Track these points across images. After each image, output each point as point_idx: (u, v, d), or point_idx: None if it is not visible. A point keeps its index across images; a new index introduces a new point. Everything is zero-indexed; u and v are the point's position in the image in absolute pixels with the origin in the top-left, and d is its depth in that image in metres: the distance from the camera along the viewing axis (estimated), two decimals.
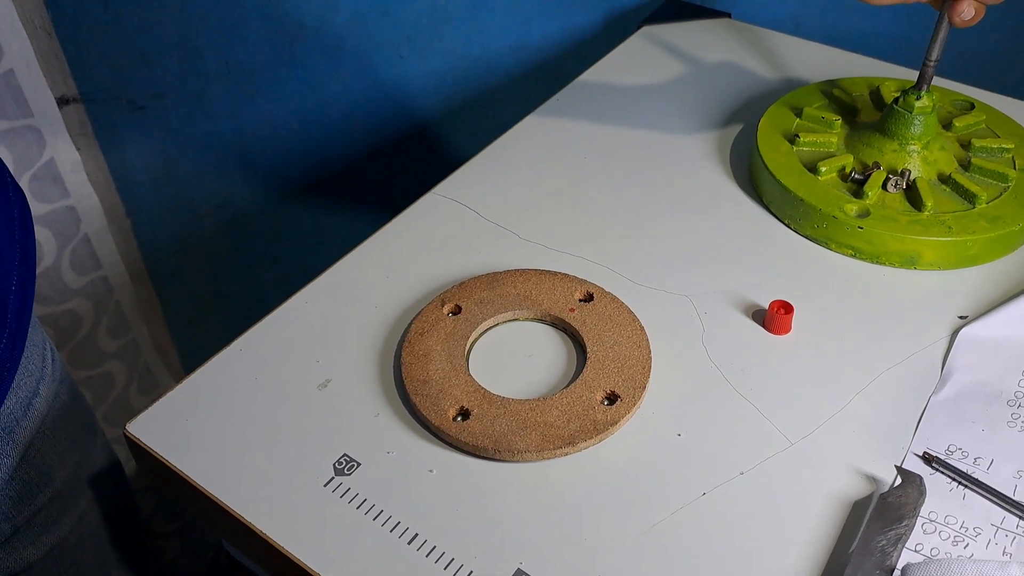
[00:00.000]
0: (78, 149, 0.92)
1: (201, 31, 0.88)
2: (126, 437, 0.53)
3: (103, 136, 0.94)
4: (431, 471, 0.51)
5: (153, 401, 0.55)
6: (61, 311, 0.96)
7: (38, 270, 0.92)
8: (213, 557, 1.17)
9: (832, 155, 0.68)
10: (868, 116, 0.71)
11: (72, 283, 0.96)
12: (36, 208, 0.90)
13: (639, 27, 0.89)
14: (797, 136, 0.68)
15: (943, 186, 0.65)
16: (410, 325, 0.58)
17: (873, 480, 0.50)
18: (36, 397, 0.65)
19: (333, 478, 0.50)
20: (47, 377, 0.67)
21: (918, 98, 0.64)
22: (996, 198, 0.64)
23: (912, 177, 0.64)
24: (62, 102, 0.88)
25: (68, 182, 0.92)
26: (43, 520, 0.67)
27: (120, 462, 0.78)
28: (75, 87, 0.89)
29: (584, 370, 0.54)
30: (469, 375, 0.54)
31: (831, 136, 0.69)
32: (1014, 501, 0.48)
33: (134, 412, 0.54)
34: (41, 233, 0.91)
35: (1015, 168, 0.66)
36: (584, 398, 0.53)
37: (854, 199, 0.64)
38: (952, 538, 0.47)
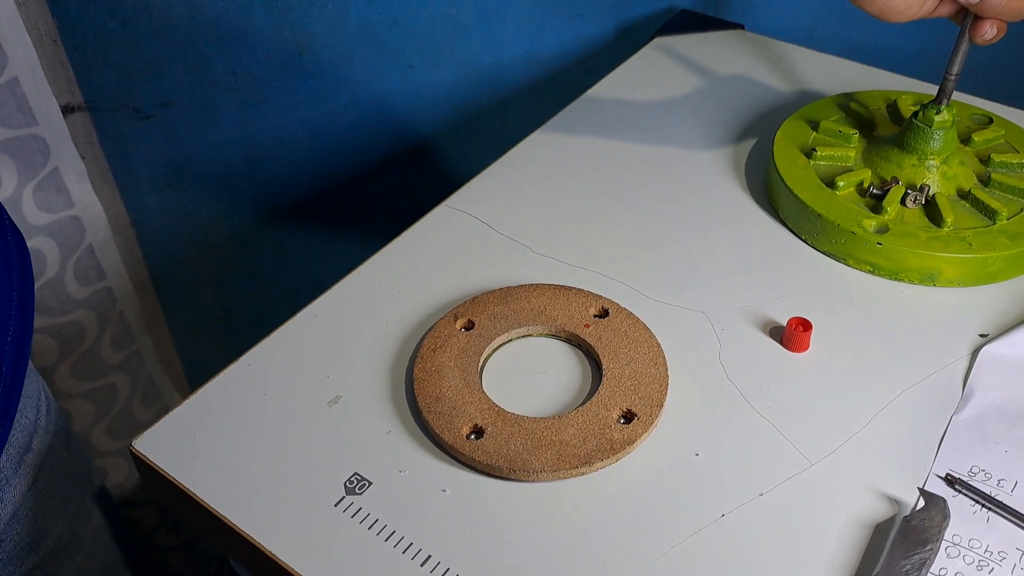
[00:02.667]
0: (83, 158, 0.91)
1: (209, 39, 0.87)
2: (132, 454, 0.52)
3: (109, 145, 0.93)
4: (444, 490, 0.50)
5: (159, 416, 0.54)
6: (64, 322, 0.95)
7: (41, 281, 0.91)
8: (216, 571, 1.16)
9: (850, 169, 0.67)
10: (886, 130, 0.70)
11: (76, 294, 0.95)
12: (40, 218, 0.89)
13: (652, 39, 0.89)
14: (814, 150, 0.68)
15: (963, 202, 0.64)
16: (422, 340, 0.57)
17: (895, 502, 0.49)
18: (28, 452, 0.63)
19: (344, 497, 0.49)
20: (41, 430, 0.64)
21: (937, 112, 0.64)
22: (1017, 214, 0.63)
23: (931, 192, 0.64)
24: (67, 110, 0.88)
25: (73, 192, 0.91)
26: None
27: (117, 508, 0.76)
28: (80, 95, 0.88)
29: (600, 387, 0.53)
30: (483, 392, 0.53)
31: (848, 150, 0.68)
32: None
33: (137, 425, 0.53)
34: (45, 243, 0.90)
35: None
36: (600, 416, 0.52)
37: (872, 214, 0.63)
38: (977, 562, 0.46)
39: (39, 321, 0.92)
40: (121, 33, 0.86)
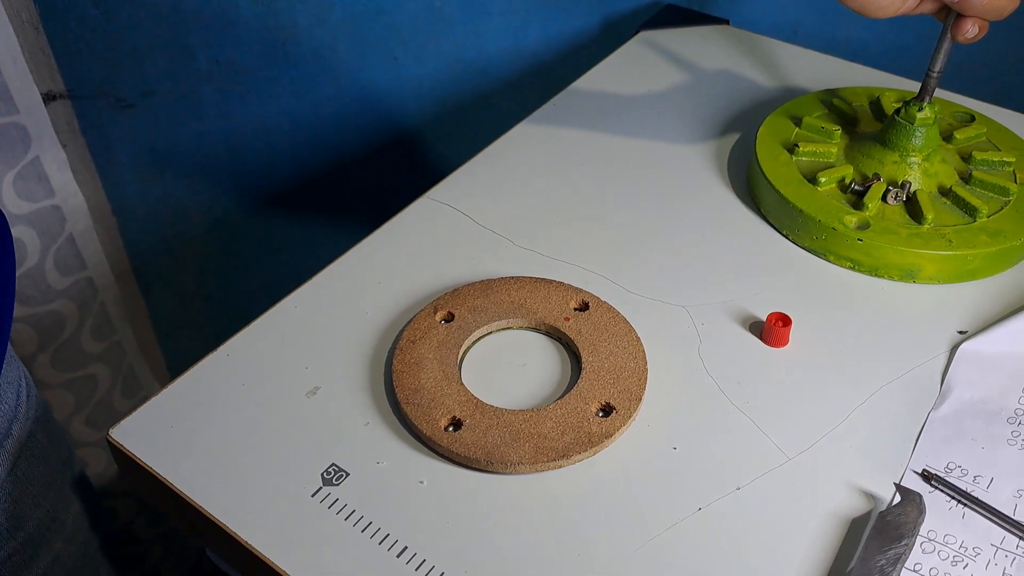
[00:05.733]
0: (64, 147, 0.90)
1: (192, 28, 0.87)
2: (109, 443, 0.52)
3: (90, 134, 0.92)
4: (422, 482, 0.49)
5: (137, 405, 0.54)
6: (44, 312, 0.94)
7: (21, 270, 0.90)
8: (195, 563, 1.16)
9: (831, 166, 0.67)
10: (868, 126, 0.70)
11: (56, 284, 0.95)
12: (20, 207, 0.88)
13: (636, 32, 0.89)
14: (796, 146, 0.68)
15: (943, 199, 0.64)
16: (402, 332, 0.57)
17: (871, 497, 0.49)
18: (8, 439, 0.62)
19: (321, 488, 0.49)
20: (21, 416, 0.64)
21: (920, 109, 0.64)
22: (997, 212, 0.63)
23: (912, 189, 0.64)
24: (48, 98, 0.87)
25: (53, 181, 0.91)
26: (13, 566, 0.64)
27: (97, 496, 0.76)
28: (62, 83, 0.88)
29: (579, 381, 0.53)
30: (461, 384, 0.53)
31: (831, 146, 0.68)
32: (1014, 521, 0.47)
33: (117, 415, 0.53)
34: (25, 232, 0.90)
35: (1016, 182, 0.65)
36: (579, 409, 0.52)
37: (854, 211, 0.63)
38: (951, 558, 0.46)
39: (18, 311, 0.92)
40: (104, 21, 0.85)
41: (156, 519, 1.12)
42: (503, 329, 0.58)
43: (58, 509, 0.68)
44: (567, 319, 0.57)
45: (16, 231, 0.88)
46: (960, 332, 0.59)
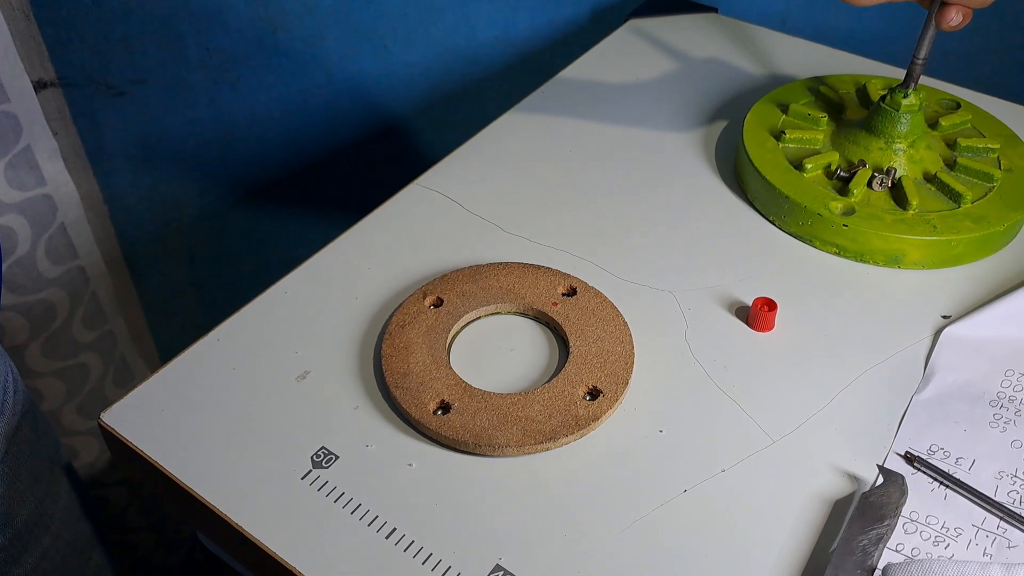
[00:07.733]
0: (55, 135, 0.90)
1: (183, 16, 0.87)
2: (100, 427, 0.52)
3: (81, 122, 0.92)
4: (410, 465, 0.50)
5: (129, 391, 0.54)
6: (35, 300, 0.95)
7: (12, 259, 0.90)
8: (188, 551, 1.16)
9: (818, 152, 0.68)
10: (854, 114, 0.71)
11: (47, 272, 0.95)
12: (11, 196, 0.88)
13: (625, 20, 0.89)
14: (783, 133, 0.68)
15: (928, 185, 0.65)
16: (391, 317, 0.57)
17: (855, 479, 0.49)
18: None
19: (311, 471, 0.49)
20: (7, 412, 0.63)
21: (905, 96, 0.64)
22: (981, 198, 0.64)
23: (898, 175, 0.64)
24: (39, 86, 0.87)
25: (45, 169, 0.91)
26: (1, 563, 0.64)
27: (85, 487, 0.76)
28: (53, 71, 0.88)
29: (566, 365, 0.54)
30: (450, 368, 0.54)
31: (817, 133, 0.68)
32: (995, 502, 0.48)
33: (109, 404, 0.53)
34: (16, 221, 0.90)
35: (1000, 168, 0.66)
36: (566, 393, 0.52)
37: (839, 197, 0.63)
38: (933, 538, 0.47)
39: (9, 300, 0.92)
40: (95, 9, 0.85)
41: (148, 507, 1.12)
42: (491, 314, 0.58)
43: (46, 504, 0.68)
44: (555, 304, 0.58)
45: (7, 220, 0.88)
46: (944, 317, 0.59)
